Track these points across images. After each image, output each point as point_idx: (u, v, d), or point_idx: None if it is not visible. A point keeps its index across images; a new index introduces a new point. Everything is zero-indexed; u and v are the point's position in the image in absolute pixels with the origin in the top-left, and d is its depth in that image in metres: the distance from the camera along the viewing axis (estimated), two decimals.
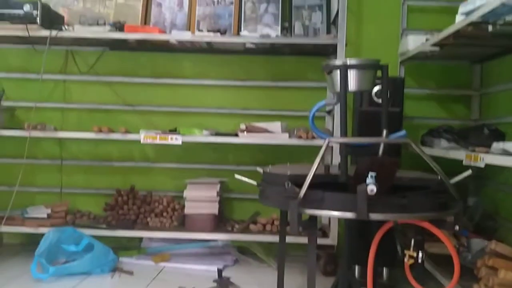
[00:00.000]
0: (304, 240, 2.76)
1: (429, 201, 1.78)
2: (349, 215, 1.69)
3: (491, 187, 2.73)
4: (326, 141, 1.81)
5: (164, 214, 2.96)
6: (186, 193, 2.88)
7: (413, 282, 1.81)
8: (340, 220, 2.75)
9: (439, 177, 1.85)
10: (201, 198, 2.87)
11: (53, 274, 2.44)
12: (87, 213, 3.02)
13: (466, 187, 2.86)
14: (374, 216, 1.67)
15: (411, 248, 1.79)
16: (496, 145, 1.86)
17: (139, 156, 3.18)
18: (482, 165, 1.88)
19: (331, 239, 2.71)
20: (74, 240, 2.60)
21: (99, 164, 3.18)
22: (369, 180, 1.66)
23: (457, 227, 1.89)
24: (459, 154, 2.06)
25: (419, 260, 1.77)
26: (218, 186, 2.92)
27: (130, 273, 2.62)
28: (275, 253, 2.84)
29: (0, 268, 2.63)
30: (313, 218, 1.82)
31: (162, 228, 2.88)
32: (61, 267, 2.50)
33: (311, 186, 1.73)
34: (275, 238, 2.75)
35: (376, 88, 2.38)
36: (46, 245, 2.50)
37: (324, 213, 1.75)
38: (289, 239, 2.26)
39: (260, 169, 2.13)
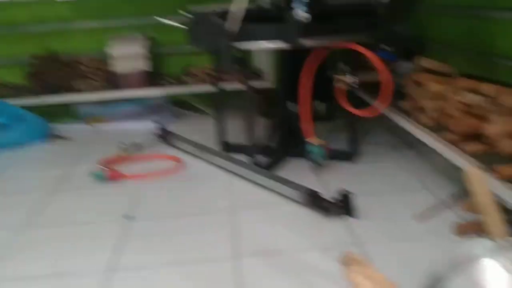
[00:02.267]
0: (240, 85, 2.78)
1: (361, 22, 1.77)
2: (282, 44, 1.66)
3: (418, 11, 2.75)
4: None
5: (90, 75, 2.82)
6: (112, 51, 2.73)
7: (345, 105, 1.88)
8: (273, 61, 2.74)
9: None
10: (128, 55, 2.73)
11: None
12: (6, 84, 2.82)
13: (394, 13, 2.87)
14: (308, 43, 1.66)
15: (344, 74, 1.82)
16: None
17: (54, 17, 2.91)
18: None
19: (266, 81, 2.72)
20: None
21: (9, 31, 2.90)
22: (299, 6, 1.61)
23: (385, 47, 1.93)
24: None
25: (351, 85, 1.82)
26: (145, 40, 2.78)
27: (67, 138, 2.55)
28: (213, 103, 2.84)
29: None
30: (246, 53, 1.78)
31: (92, 90, 2.77)
32: None
33: (242, 20, 1.66)
34: (211, 88, 2.73)
35: None
36: None
37: (258, 46, 1.71)
38: (225, 86, 2.24)
39: (183, 12, 2.02)
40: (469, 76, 1.64)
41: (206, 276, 1.28)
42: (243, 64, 1.78)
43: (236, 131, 2.40)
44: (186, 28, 1.93)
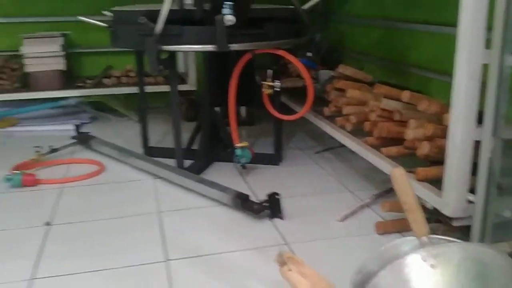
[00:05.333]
0: (162, 88, 2.74)
1: (285, 28, 1.82)
2: (209, 47, 1.66)
3: (336, 20, 2.88)
4: None
5: (2, 75, 2.64)
6: (24, 50, 2.57)
7: (271, 109, 1.91)
8: (197, 65, 2.73)
9: (293, 7, 1.88)
10: (42, 54, 2.59)
11: None
12: None
13: (313, 23, 2.98)
14: (234, 47, 1.67)
15: (269, 79, 1.85)
16: None
17: None
18: None
19: (190, 85, 2.71)
20: None
21: None
22: (225, 9, 1.62)
23: (309, 54, 2.00)
24: None
25: (276, 89, 1.85)
26: (61, 39, 2.65)
27: None
28: (134, 106, 2.77)
29: None
30: (172, 55, 1.76)
31: (2, 91, 2.59)
32: None
33: (167, 22, 1.64)
34: (132, 90, 2.66)
35: None
36: None
37: (184, 48, 1.70)
38: (147, 88, 2.20)
39: (107, 12, 1.96)
40: (385, 84, 1.74)
41: (134, 279, 1.24)
42: (170, 66, 1.75)
43: (159, 135, 2.36)
44: (109, 27, 1.87)
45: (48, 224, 1.54)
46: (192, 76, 2.72)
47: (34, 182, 1.83)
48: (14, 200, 1.73)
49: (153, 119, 2.18)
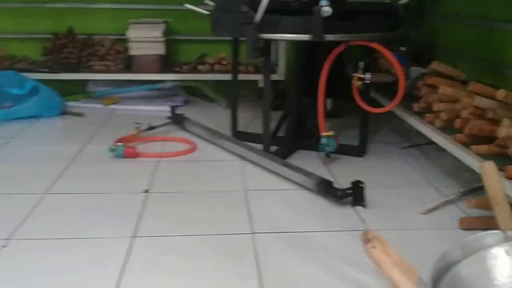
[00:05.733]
0: (251, 77, 2.84)
1: (380, 22, 1.84)
2: (305, 37, 1.73)
3: (430, 18, 2.83)
4: None
5: (108, 57, 2.88)
6: (129, 34, 2.79)
7: (360, 102, 1.95)
8: (287, 55, 2.81)
9: (389, 0, 1.89)
10: (145, 39, 2.79)
11: (1, 118, 2.39)
12: (25, 59, 2.88)
13: (408, 18, 2.95)
14: (329, 37, 1.72)
15: (360, 71, 1.89)
16: None
17: None
18: None
19: (279, 75, 2.79)
20: (17, 83, 2.50)
21: (31, 5, 2.94)
22: (323, 1, 1.67)
23: (402, 48, 2.00)
24: None
25: (366, 81, 1.88)
26: (163, 25, 2.84)
27: (81, 115, 2.61)
28: (224, 93, 2.91)
29: None
30: (268, 43, 1.85)
31: (108, 71, 2.82)
32: (9, 111, 2.44)
33: (266, 11, 1.73)
34: (224, 77, 2.79)
35: None
36: None
37: (281, 37, 1.78)
38: (239, 77, 2.31)
39: (209, 1, 2.08)
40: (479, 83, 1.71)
41: (225, 245, 1.34)
42: (265, 54, 1.83)
43: (245, 121, 2.46)
44: (211, 16, 1.99)
45: (146, 191, 1.69)
46: (282, 67, 2.80)
47: (135, 154, 2.01)
48: (117, 168, 1.91)
49: (240, 106, 2.29)
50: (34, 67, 2.77)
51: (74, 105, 2.74)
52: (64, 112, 2.60)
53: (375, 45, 1.81)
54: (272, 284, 1.17)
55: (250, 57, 1.75)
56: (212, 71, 2.89)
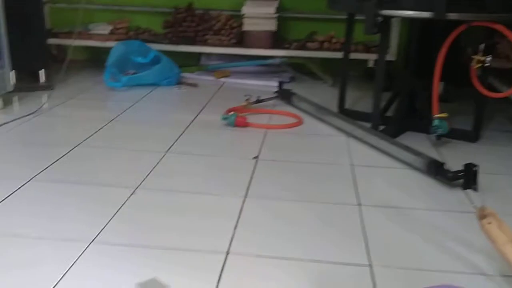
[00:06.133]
0: (362, 56, 2.83)
1: (507, 2, 1.75)
2: (426, 14, 1.70)
3: None
4: None
5: (222, 31, 3.00)
6: (245, 9, 2.89)
7: (478, 85, 1.87)
8: (400, 35, 2.76)
9: None
10: (259, 15, 2.88)
11: (125, 83, 2.61)
12: (148, 30, 3.10)
13: None
14: (452, 16, 1.68)
15: (480, 53, 1.82)
16: None
17: None
18: None
19: (390, 55, 2.74)
20: (141, 52, 2.71)
21: None
22: None
23: None
24: None
25: (486, 64, 1.81)
26: (276, 2, 2.91)
27: (195, 85, 2.77)
28: (330, 70, 2.92)
29: (72, 81, 2.79)
30: (387, 20, 1.83)
31: (221, 45, 2.95)
32: (133, 77, 2.66)
33: None
34: (332, 55, 2.81)
35: None
36: (116, 57, 2.63)
37: (400, 13, 1.76)
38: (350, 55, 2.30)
39: None
40: None
41: (331, 213, 1.39)
42: (383, 30, 1.83)
43: (351, 100, 2.46)
44: None
45: (256, 157, 1.78)
46: (394, 47, 2.75)
47: (245, 124, 2.11)
48: (228, 136, 2.03)
49: (349, 84, 2.31)
50: (156, 38, 2.97)
51: (188, 76, 2.91)
52: (180, 82, 2.78)
53: (499, 27, 1.73)
54: (379, 253, 1.20)
55: (367, 33, 1.76)
56: (320, 49, 2.92)
